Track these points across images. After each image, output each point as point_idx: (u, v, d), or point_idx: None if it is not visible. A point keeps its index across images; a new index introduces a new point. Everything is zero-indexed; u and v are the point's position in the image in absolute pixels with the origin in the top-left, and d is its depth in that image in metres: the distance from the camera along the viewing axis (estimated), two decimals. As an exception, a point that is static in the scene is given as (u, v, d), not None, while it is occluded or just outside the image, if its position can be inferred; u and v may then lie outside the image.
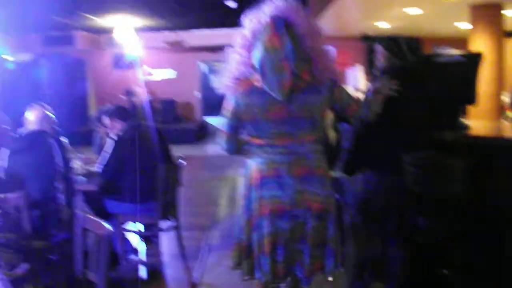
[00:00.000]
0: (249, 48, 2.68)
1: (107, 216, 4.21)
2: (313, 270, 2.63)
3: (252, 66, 2.62)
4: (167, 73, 16.35)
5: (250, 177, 2.68)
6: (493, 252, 3.43)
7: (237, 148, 2.82)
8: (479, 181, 3.23)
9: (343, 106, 2.68)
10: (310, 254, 2.60)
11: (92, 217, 2.55)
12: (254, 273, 2.68)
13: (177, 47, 15.27)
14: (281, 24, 2.55)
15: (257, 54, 2.58)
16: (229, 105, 2.72)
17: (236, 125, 2.72)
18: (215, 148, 13.42)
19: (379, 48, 3.46)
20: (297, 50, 2.52)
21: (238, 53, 2.76)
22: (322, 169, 2.66)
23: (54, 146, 3.96)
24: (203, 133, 15.80)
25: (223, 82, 2.75)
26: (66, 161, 4.10)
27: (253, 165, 2.67)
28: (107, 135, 4.88)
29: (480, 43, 7.35)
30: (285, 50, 2.49)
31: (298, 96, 2.54)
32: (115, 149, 4.34)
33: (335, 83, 2.65)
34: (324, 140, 2.94)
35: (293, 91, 2.52)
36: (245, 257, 2.70)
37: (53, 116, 4.31)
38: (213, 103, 16.68)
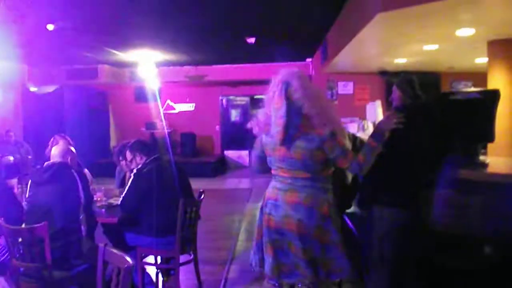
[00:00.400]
0: (269, 103, 3.36)
1: (126, 249, 4.26)
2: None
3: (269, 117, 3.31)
4: (188, 107, 16.53)
5: (263, 197, 3.42)
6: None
7: (263, 170, 3.55)
8: (496, 218, 3.22)
9: (333, 157, 3.15)
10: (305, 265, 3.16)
11: (113, 249, 2.58)
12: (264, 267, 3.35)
13: (198, 81, 15.47)
14: (283, 89, 3.27)
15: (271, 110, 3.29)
16: (257, 141, 3.52)
17: (261, 155, 3.48)
18: (234, 181, 13.50)
19: (393, 87, 3.52)
20: (293, 109, 3.17)
21: (264, 105, 3.43)
22: (311, 202, 3.16)
23: (76, 178, 4.05)
24: (222, 167, 15.87)
25: (254, 125, 3.50)
26: (88, 193, 4.18)
27: (268, 188, 3.40)
28: (128, 168, 4.97)
29: (498, 78, 7.35)
30: (282, 110, 3.17)
31: (295, 142, 3.17)
32: (135, 183, 4.41)
33: (331, 137, 3.10)
34: (340, 179, 3.20)
35: (292, 138, 3.17)
36: (258, 253, 3.42)
37: (74, 149, 4.41)
38: (233, 137, 16.90)
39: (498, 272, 3.24)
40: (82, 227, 4.05)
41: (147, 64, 12.70)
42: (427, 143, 3.29)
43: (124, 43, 10.65)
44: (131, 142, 4.79)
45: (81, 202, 4.04)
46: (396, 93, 3.50)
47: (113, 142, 15.99)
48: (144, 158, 4.58)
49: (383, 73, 11.89)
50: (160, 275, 5.04)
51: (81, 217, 4.03)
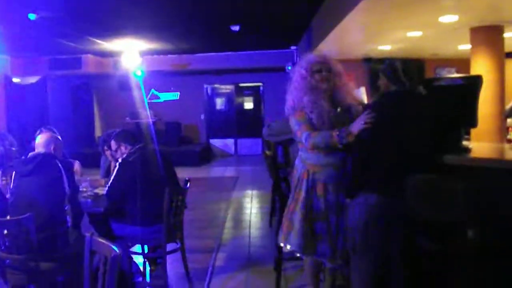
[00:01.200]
0: None
1: (113, 239, 4.26)
2: None
3: None
4: (172, 96, 16.48)
5: None
6: (497, 277, 3.44)
7: None
8: (479, 202, 3.26)
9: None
10: None
11: (100, 239, 2.58)
12: None
13: (182, 70, 15.41)
14: None
15: None
16: None
17: None
18: (220, 170, 13.50)
19: (380, 74, 3.53)
20: None
21: None
22: None
23: (61, 169, 4.02)
24: (207, 156, 15.87)
25: None
26: (73, 184, 4.16)
27: None
28: (113, 158, 4.96)
29: (481, 64, 7.41)
30: None
31: None
32: (120, 172, 4.40)
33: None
34: None
35: None
36: None
37: (60, 139, 4.38)
38: (218, 126, 16.91)
39: (480, 256, 3.29)
40: (68, 218, 4.04)
41: (131, 53, 12.61)
42: (415, 129, 3.32)
43: (107, 32, 10.56)
44: (116, 131, 4.78)
45: (66, 193, 4.01)
46: (382, 80, 3.51)
47: (98, 132, 15.91)
48: (129, 148, 4.56)
49: (368, 60, 11.92)
50: (147, 264, 5.05)
51: (66, 208, 4.01)
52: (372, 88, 3.80)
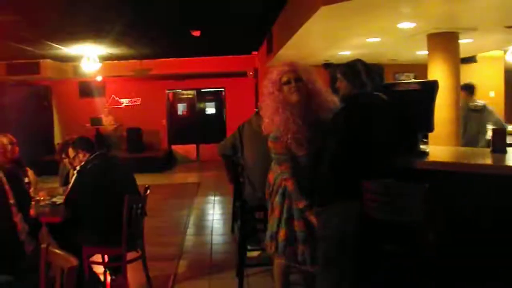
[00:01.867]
0: None
1: (72, 248, 4.16)
2: None
3: None
4: (133, 102, 16.31)
5: None
6: (457, 276, 3.51)
7: None
8: (438, 205, 3.32)
9: None
10: None
11: (56, 250, 2.53)
12: None
13: (143, 75, 15.28)
14: None
15: None
16: None
17: None
18: (182, 176, 13.39)
19: (339, 76, 3.54)
20: None
21: None
22: None
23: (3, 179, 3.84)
24: (169, 162, 15.75)
25: None
26: (21, 194, 3.97)
27: None
28: (72, 166, 4.86)
29: (438, 70, 7.57)
30: None
31: None
32: (79, 180, 4.32)
33: None
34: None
35: None
36: None
37: (16, 146, 4.27)
38: (180, 132, 16.81)
39: (437, 256, 3.35)
40: (21, 227, 3.90)
41: (91, 59, 12.41)
42: (374, 134, 3.35)
43: (66, 37, 10.38)
44: (74, 138, 4.69)
45: (10, 204, 3.84)
46: (342, 82, 3.52)
47: (57, 139, 15.60)
48: (88, 155, 4.49)
49: (328, 65, 12.04)
50: (107, 274, 4.97)
51: (18, 217, 3.85)
52: (334, 92, 3.80)
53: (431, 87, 3.78)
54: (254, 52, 14.55)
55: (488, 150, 3.82)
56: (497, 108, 12.38)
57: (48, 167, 9.39)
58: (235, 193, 6.11)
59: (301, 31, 7.35)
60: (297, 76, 3.48)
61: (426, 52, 8.06)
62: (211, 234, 7.02)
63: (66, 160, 4.97)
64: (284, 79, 3.49)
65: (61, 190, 5.05)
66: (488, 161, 3.53)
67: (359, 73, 3.46)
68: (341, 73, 3.53)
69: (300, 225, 3.56)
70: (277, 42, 10.03)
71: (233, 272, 5.04)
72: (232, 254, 5.77)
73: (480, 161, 3.62)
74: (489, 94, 12.85)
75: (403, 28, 7.37)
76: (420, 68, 10.86)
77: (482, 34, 8.17)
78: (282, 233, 3.61)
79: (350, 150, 3.30)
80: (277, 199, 3.65)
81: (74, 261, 2.34)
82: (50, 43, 10.89)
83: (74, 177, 4.39)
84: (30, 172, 5.22)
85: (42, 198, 4.76)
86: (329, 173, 3.36)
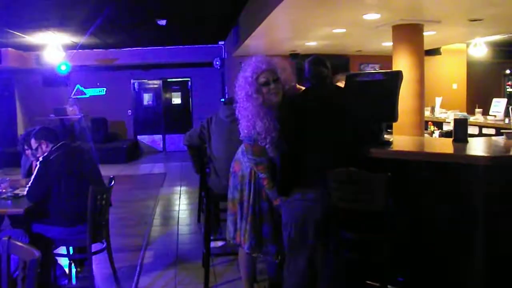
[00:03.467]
0: None
1: (36, 241, 4.10)
2: None
3: None
4: (98, 91, 16.08)
5: None
6: (419, 263, 3.58)
7: None
8: (401, 194, 3.38)
9: None
10: None
11: (18, 242, 2.47)
12: None
13: (108, 65, 15.07)
14: None
15: None
16: None
17: None
18: (148, 167, 13.29)
19: (306, 66, 3.57)
20: None
21: None
22: None
23: None
24: (135, 152, 15.60)
25: None
26: None
27: None
28: (34, 157, 4.77)
29: (403, 61, 7.65)
30: None
31: None
32: (41, 171, 4.24)
33: None
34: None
35: None
36: None
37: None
38: (146, 122, 16.65)
39: (400, 243, 3.41)
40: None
41: (54, 48, 12.16)
42: (339, 123, 3.39)
43: (28, 25, 10.13)
44: (36, 129, 4.60)
45: None
46: (307, 71, 3.55)
47: (20, 130, 15.26)
48: (50, 146, 4.40)
49: (295, 55, 12.07)
50: (73, 266, 4.92)
51: None
52: (300, 83, 3.83)
53: (395, 77, 3.82)
54: (221, 42, 14.49)
55: (450, 139, 3.89)
56: (460, 100, 12.68)
57: (12, 158, 9.22)
58: (201, 183, 6.10)
59: (267, 21, 7.34)
60: (275, 77, 3.44)
61: (391, 43, 8.14)
62: (177, 225, 6.99)
63: (28, 152, 4.87)
64: (262, 79, 3.42)
65: (23, 181, 4.95)
66: (450, 150, 3.59)
67: (325, 63, 3.52)
68: (307, 64, 3.59)
69: (267, 217, 3.64)
70: (243, 31, 10.00)
71: (200, 261, 5.04)
72: (198, 244, 5.76)
73: (442, 150, 3.68)
74: (452, 86, 13.11)
75: (368, 19, 7.43)
76: (386, 59, 10.97)
77: (446, 26, 8.30)
78: (248, 226, 3.67)
79: (304, 140, 3.35)
80: (245, 191, 3.69)
81: (35, 253, 2.30)
82: (11, 31, 10.62)
83: (36, 167, 4.30)
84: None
85: (4, 190, 4.66)
86: (286, 162, 3.40)
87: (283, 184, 3.45)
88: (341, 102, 3.50)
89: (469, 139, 3.75)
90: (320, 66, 3.54)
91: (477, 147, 3.73)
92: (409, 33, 7.70)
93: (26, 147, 4.91)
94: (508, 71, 15.47)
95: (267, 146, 3.46)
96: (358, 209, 3.28)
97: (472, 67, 13.49)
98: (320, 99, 3.47)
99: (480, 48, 11.49)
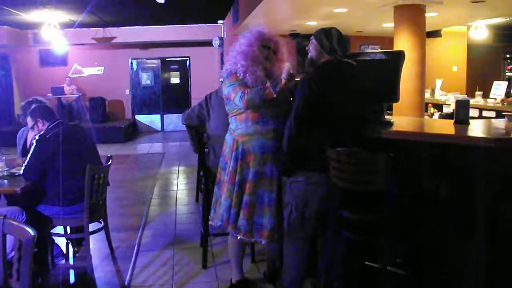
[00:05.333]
0: None
1: (33, 220, 4.06)
2: None
3: None
4: (96, 71, 15.99)
5: None
6: (418, 244, 3.56)
7: None
8: (401, 174, 3.34)
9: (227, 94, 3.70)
10: None
11: (13, 221, 2.43)
12: None
13: (106, 43, 14.95)
14: None
15: None
16: None
17: None
18: (146, 146, 13.26)
19: (313, 41, 3.49)
20: None
21: None
22: None
23: None
24: (133, 132, 15.56)
25: None
26: None
27: None
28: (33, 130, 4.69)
29: (404, 42, 7.57)
30: None
31: None
32: (37, 149, 4.18)
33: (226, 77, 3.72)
34: None
35: None
36: None
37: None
38: (144, 102, 16.58)
39: (401, 224, 3.39)
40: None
41: (52, 26, 12.03)
42: (341, 103, 3.34)
43: (25, 2, 10.01)
44: (32, 107, 4.53)
45: None
46: (312, 44, 3.48)
47: (17, 109, 15.18)
48: (47, 124, 4.35)
49: (295, 35, 11.97)
50: (70, 246, 4.89)
51: None
52: (301, 63, 3.78)
53: (397, 57, 3.78)
54: (220, 21, 14.36)
55: (451, 121, 3.84)
56: (459, 82, 12.62)
57: (8, 137, 9.14)
58: (200, 163, 6.06)
59: (267, -1, 7.26)
60: (275, 49, 3.69)
61: (392, 25, 8.05)
62: (176, 204, 6.97)
63: (25, 129, 4.80)
64: (267, 43, 3.64)
65: (20, 160, 4.89)
66: (452, 131, 3.55)
67: (331, 38, 3.41)
68: (315, 36, 3.49)
69: (250, 187, 3.61)
70: (243, 10, 9.89)
71: (198, 241, 5.03)
72: (197, 224, 5.75)
73: (444, 132, 3.64)
74: (452, 69, 13.04)
75: (370, -1, 7.35)
76: (386, 40, 10.89)
77: (448, 8, 8.21)
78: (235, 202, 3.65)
79: (316, 117, 3.28)
80: (229, 164, 3.66)
81: (31, 232, 2.26)
82: (8, 8, 10.48)
83: (33, 145, 4.25)
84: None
85: (0, 169, 4.61)
86: (288, 142, 3.35)
87: (287, 165, 3.41)
88: (359, 81, 3.44)
89: (470, 121, 3.71)
90: (347, 42, 3.47)
91: (478, 128, 3.70)
92: (411, 13, 7.60)
93: (22, 124, 4.85)
94: (508, 55, 15.42)
95: (247, 80, 3.57)
96: (359, 189, 3.25)
97: (472, 50, 13.42)
98: (342, 76, 3.40)
99: (481, 31, 11.39)
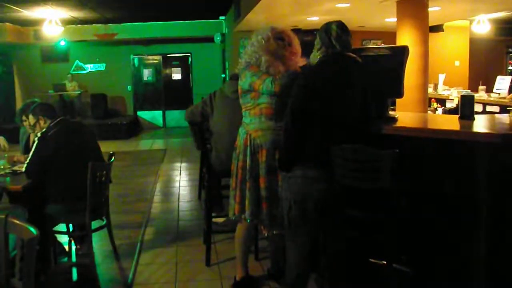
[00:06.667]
0: None
1: (35, 218, 4.04)
2: None
3: None
4: (98, 67, 15.96)
5: None
6: (424, 242, 3.54)
7: None
8: (407, 171, 3.31)
9: None
10: None
11: (15, 220, 2.41)
12: None
13: (108, 40, 14.92)
14: None
15: None
16: None
17: None
18: (148, 143, 13.24)
19: (316, 36, 3.46)
20: None
21: None
22: None
23: None
24: (135, 128, 15.53)
25: None
26: None
27: None
28: (32, 129, 4.67)
29: (407, 37, 7.53)
30: None
31: None
32: (40, 147, 4.17)
33: None
34: None
35: None
36: None
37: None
38: (145, 98, 16.56)
39: (406, 221, 3.36)
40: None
41: (53, 22, 12.00)
42: (345, 99, 3.30)
43: (26, -1, 9.98)
44: (34, 105, 4.51)
45: None
46: (316, 39, 3.45)
47: (18, 106, 15.17)
48: (49, 121, 4.32)
49: (297, 31, 11.92)
50: (72, 243, 4.88)
51: None
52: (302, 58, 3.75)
53: (402, 53, 3.74)
54: (222, 17, 14.32)
55: (456, 116, 3.81)
56: (462, 77, 12.58)
57: (10, 134, 9.13)
58: (203, 159, 6.04)
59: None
60: (289, 41, 3.66)
61: (395, 20, 8.01)
62: (178, 201, 6.95)
63: (26, 123, 4.77)
64: (281, 35, 3.64)
65: (22, 157, 4.87)
66: (457, 127, 3.52)
67: (330, 33, 3.38)
68: (318, 31, 3.48)
69: (264, 182, 3.64)
70: (244, 6, 9.85)
71: (201, 238, 5.00)
72: (199, 220, 5.73)
73: (450, 127, 3.61)
74: (455, 63, 13.00)
75: (373, -7, 7.30)
76: (388, 35, 10.85)
77: (451, 2, 8.16)
78: (248, 192, 3.67)
79: (310, 111, 3.25)
80: (242, 158, 3.69)
81: (34, 231, 2.24)
82: (9, 5, 10.45)
83: (35, 143, 4.23)
84: (1, 139, 5.08)
85: (2, 166, 4.60)
86: (287, 137, 3.33)
87: (286, 160, 3.39)
88: (361, 75, 3.40)
89: (475, 116, 3.68)
90: (347, 33, 3.43)
91: (484, 124, 3.66)
92: (413, 8, 7.57)
93: (24, 118, 4.82)
94: (511, 49, 15.36)
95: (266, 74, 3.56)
96: (364, 186, 3.22)
97: (474, 44, 13.37)
98: (343, 70, 3.36)
99: (483, 25, 11.32)
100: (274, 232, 3.76)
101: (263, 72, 3.56)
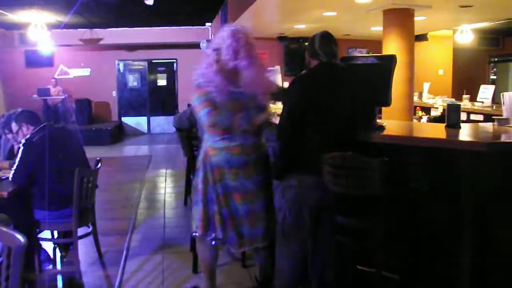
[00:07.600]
0: None
1: (20, 225, 4.00)
2: None
3: None
4: (83, 72, 15.86)
5: None
6: (412, 248, 3.55)
7: None
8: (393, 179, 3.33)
9: None
10: None
11: (1, 227, 2.37)
12: None
13: (93, 45, 14.84)
14: None
15: None
16: None
17: None
18: (133, 149, 13.17)
19: (316, 41, 3.48)
20: None
21: None
22: None
23: None
24: (120, 134, 15.45)
25: None
26: None
27: None
28: (16, 141, 4.61)
29: (393, 46, 7.62)
30: None
31: None
32: (25, 153, 4.11)
33: None
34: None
35: None
36: None
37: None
38: (130, 104, 16.47)
39: (393, 228, 3.38)
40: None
41: (38, 26, 11.90)
42: (334, 107, 3.33)
43: (12, 2, 9.88)
44: (17, 112, 4.46)
45: None
46: (317, 48, 3.47)
47: (2, 111, 15.01)
48: (31, 128, 4.27)
49: (283, 38, 11.97)
50: (57, 250, 4.83)
51: None
52: (288, 66, 3.77)
53: (390, 62, 3.77)
54: (208, 24, 14.32)
55: (442, 125, 3.85)
56: (445, 85, 12.71)
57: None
58: (189, 166, 6.02)
59: (257, 2, 7.23)
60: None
61: (380, 28, 8.08)
62: (164, 208, 6.91)
63: (10, 136, 4.71)
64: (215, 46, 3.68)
65: (6, 164, 4.80)
66: (445, 135, 3.55)
67: (314, 43, 3.43)
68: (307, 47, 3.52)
69: (222, 202, 3.44)
70: (232, 13, 9.87)
71: (187, 245, 4.97)
72: (186, 227, 5.70)
73: (437, 136, 3.64)
74: (438, 72, 13.14)
75: (360, 2, 7.35)
76: (373, 44, 10.95)
77: (437, 11, 8.26)
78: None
79: (307, 120, 3.27)
80: (202, 174, 3.51)
81: (21, 239, 2.20)
82: (-6, 8, 10.38)
83: (20, 149, 4.18)
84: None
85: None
86: (280, 146, 3.33)
87: (280, 169, 3.39)
88: (350, 83, 3.43)
89: (461, 125, 3.72)
90: (332, 44, 3.45)
91: (470, 133, 3.70)
92: (400, 17, 7.66)
93: (6, 131, 4.76)
94: (493, 59, 15.56)
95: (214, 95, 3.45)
96: (354, 194, 3.23)
97: (458, 54, 13.53)
98: (332, 79, 3.39)
99: (466, 35, 11.48)
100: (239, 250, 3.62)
101: (206, 97, 3.53)
